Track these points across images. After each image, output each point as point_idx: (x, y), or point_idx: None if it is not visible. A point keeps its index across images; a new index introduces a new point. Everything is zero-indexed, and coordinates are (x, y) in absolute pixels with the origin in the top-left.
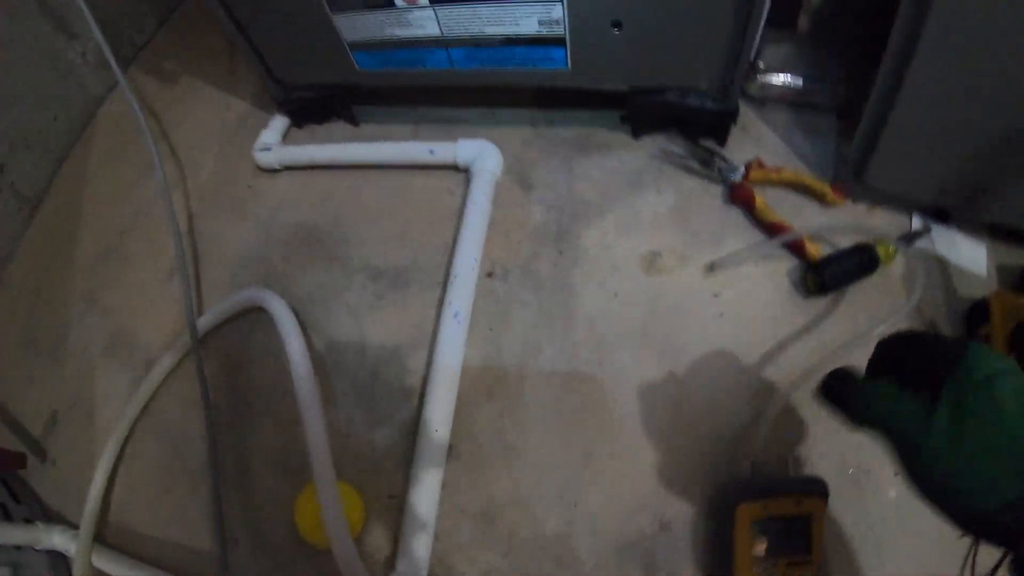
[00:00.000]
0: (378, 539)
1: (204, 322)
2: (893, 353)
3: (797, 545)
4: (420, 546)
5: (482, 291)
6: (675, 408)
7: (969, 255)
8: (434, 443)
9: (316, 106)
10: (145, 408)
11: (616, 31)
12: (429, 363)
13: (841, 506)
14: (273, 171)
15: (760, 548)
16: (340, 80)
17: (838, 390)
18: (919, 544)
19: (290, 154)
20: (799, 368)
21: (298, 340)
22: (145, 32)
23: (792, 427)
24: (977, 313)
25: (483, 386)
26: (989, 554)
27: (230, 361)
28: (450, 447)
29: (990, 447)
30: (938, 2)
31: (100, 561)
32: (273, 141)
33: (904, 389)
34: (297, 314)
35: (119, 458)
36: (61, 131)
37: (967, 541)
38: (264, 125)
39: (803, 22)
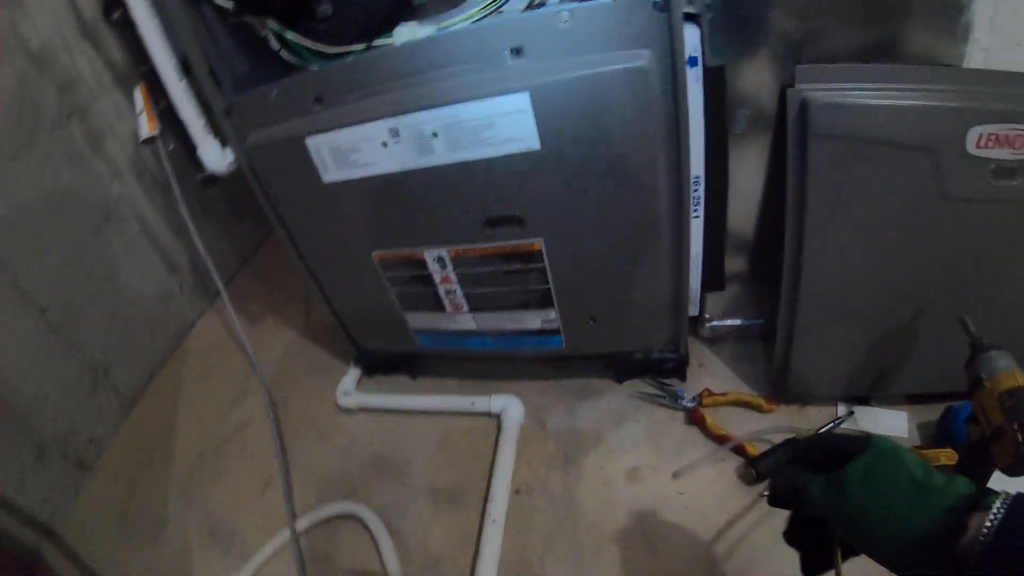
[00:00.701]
0: None
1: (300, 524)
2: (811, 452)
3: None
4: None
5: (512, 504)
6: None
7: (891, 423)
8: None
9: (384, 362)
10: None
11: (592, 322)
12: (475, 556)
13: None
14: (350, 411)
15: None
16: (405, 350)
17: (779, 497)
18: None
19: (367, 400)
20: (746, 537)
21: (390, 544)
22: (229, 270)
23: None
24: None
25: (515, 572)
26: None
27: (318, 558)
28: None
29: (895, 491)
30: (808, 245)
31: None
32: (351, 387)
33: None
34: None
35: None
36: (158, 348)
37: None
38: (340, 370)
39: (738, 270)
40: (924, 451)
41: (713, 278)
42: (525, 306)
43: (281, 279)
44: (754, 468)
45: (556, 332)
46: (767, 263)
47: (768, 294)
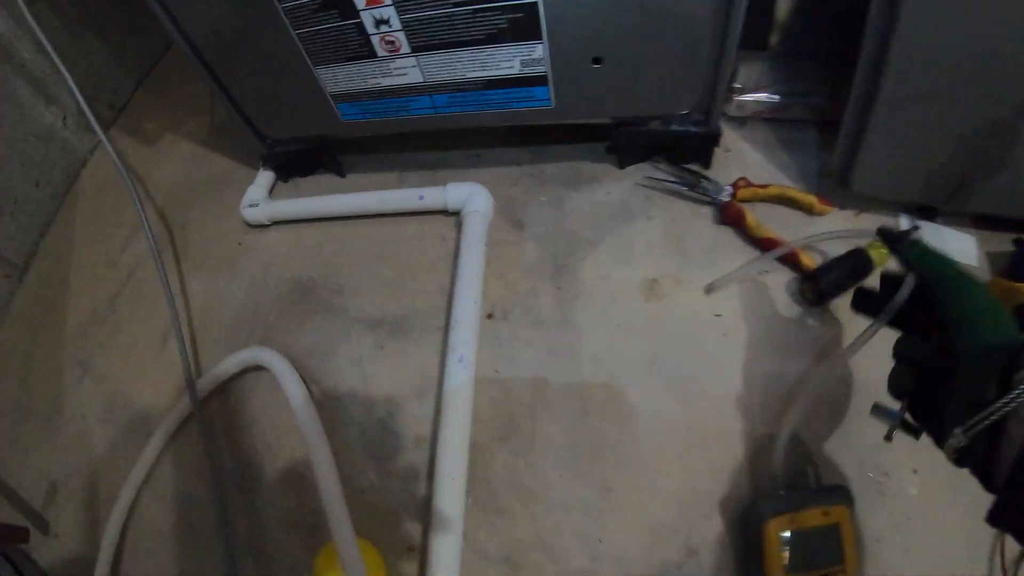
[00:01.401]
0: None
1: (204, 384)
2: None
3: (829, 556)
4: None
5: (484, 333)
6: (689, 434)
7: (959, 247)
8: (451, 492)
9: (301, 159)
10: (148, 475)
11: (597, 66)
12: (438, 410)
13: (865, 511)
14: (262, 227)
15: (791, 562)
16: (325, 132)
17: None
18: (945, 538)
19: (278, 209)
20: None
21: (303, 397)
22: (123, 94)
23: (809, 438)
24: None
25: (494, 429)
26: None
27: (233, 421)
28: (467, 494)
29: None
30: (906, 5)
31: None
32: (260, 197)
33: None
34: (299, 369)
35: (125, 527)
36: (44, 196)
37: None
38: (250, 180)
39: (774, 38)
40: (1003, 281)
41: (754, 28)
42: (496, 38)
43: (182, 90)
44: (816, 283)
45: (542, 81)
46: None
47: (818, 68)
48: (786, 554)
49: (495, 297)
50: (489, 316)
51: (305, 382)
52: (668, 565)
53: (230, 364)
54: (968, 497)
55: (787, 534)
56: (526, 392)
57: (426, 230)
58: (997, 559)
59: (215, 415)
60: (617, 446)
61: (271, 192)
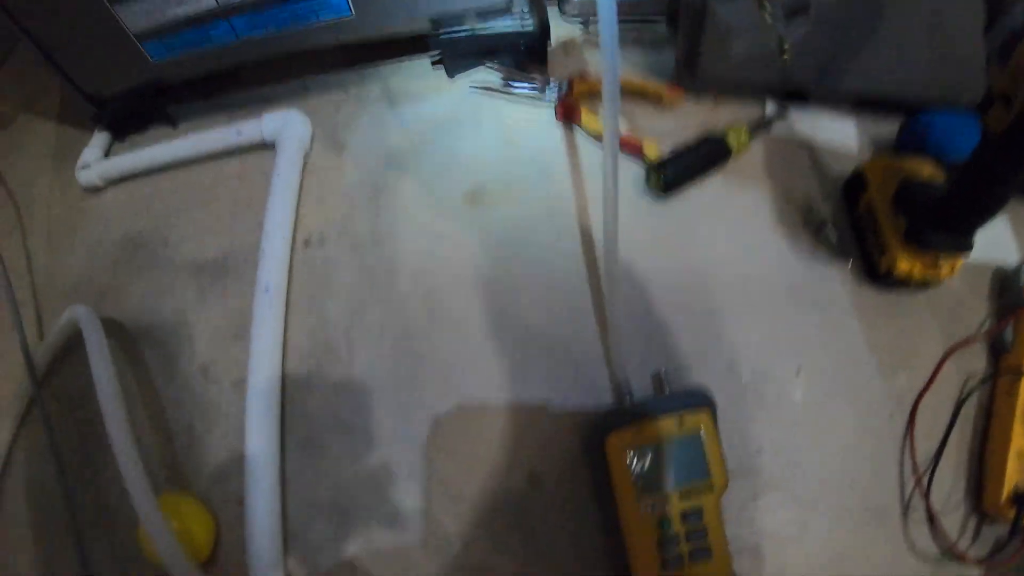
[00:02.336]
0: (235, 551)
1: (40, 358)
2: None
3: (690, 470)
4: (268, 551)
5: (301, 262)
6: (522, 346)
7: (836, 131)
8: (261, 431)
9: (131, 115)
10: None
11: None
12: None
13: (742, 420)
14: (99, 189)
15: (643, 482)
16: (142, 79)
17: None
18: (839, 445)
19: (108, 168)
20: (656, 274)
21: (102, 358)
22: None
23: (666, 338)
24: (853, 186)
25: (312, 362)
26: (922, 444)
27: (73, 397)
28: (285, 436)
29: None
30: None
31: None
32: (93, 158)
33: None
34: (130, 328)
35: None
36: None
37: (895, 426)
38: None
39: None
40: (883, 159)
41: None
42: None
43: (37, 77)
44: (661, 174)
45: None
46: None
47: None
48: (635, 473)
49: (313, 225)
50: (306, 244)
51: (134, 341)
52: (510, 496)
53: (53, 333)
54: (861, 397)
55: (634, 450)
56: (343, 318)
57: (249, 167)
58: (907, 460)
59: (60, 390)
60: (443, 368)
61: (108, 153)
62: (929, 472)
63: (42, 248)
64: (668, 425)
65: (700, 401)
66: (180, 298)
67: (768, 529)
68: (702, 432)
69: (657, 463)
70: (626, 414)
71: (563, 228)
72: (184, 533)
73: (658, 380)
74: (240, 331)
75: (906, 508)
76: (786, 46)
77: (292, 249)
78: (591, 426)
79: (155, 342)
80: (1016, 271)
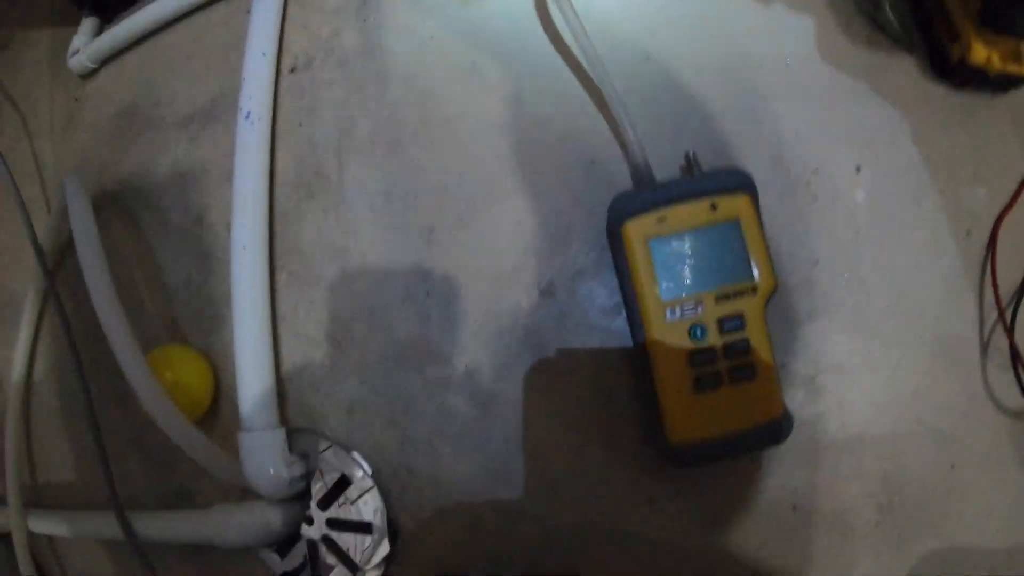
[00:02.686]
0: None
1: (47, 242)
2: None
3: (728, 268)
4: (260, 390)
5: (288, 90)
6: (528, 142)
7: None
8: (246, 263)
9: None
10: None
11: None
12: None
13: (790, 220)
14: (92, 72)
15: (669, 279)
16: None
17: None
18: (910, 260)
19: (95, 48)
20: (682, 58)
21: (81, 217)
22: None
23: (690, 121)
24: None
25: (302, 189)
26: (1004, 273)
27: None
28: (277, 271)
29: None
30: None
31: (36, 524)
32: (82, 43)
33: None
34: (130, 195)
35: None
36: None
37: (972, 245)
38: None
39: None
40: None
41: None
42: None
43: None
44: None
45: None
46: None
47: None
48: (659, 270)
49: (298, 49)
50: (292, 71)
51: (134, 209)
52: (517, 313)
53: (52, 215)
54: (935, 207)
55: (657, 240)
56: (333, 138)
57: (234, 10)
58: (987, 289)
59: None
60: (439, 174)
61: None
62: (1014, 306)
63: (47, 148)
64: (699, 210)
65: (739, 182)
66: (172, 153)
67: (825, 358)
68: (741, 220)
69: (686, 257)
70: (646, 197)
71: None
72: (179, 385)
73: (688, 161)
74: (231, 172)
75: (985, 346)
76: None
77: (278, 77)
78: (607, 217)
79: (150, 203)
80: None
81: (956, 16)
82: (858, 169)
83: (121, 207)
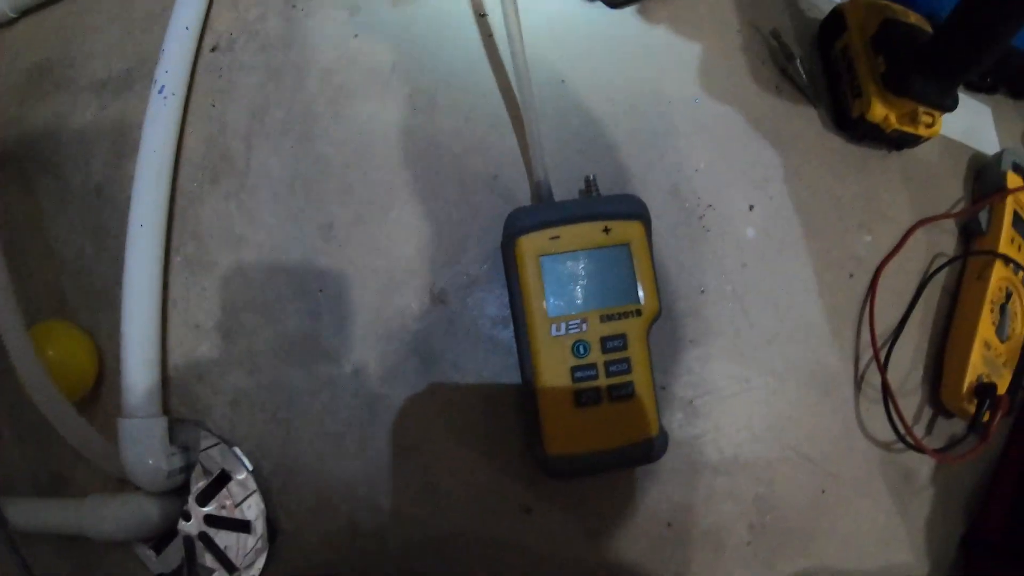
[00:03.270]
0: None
1: None
2: None
3: (616, 288)
4: (144, 376)
5: (206, 68)
6: (435, 149)
7: None
8: (141, 244)
9: None
10: None
11: None
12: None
13: (682, 249)
14: (12, 21)
15: (556, 295)
16: None
17: None
18: (792, 294)
19: None
20: (597, 85)
21: None
22: None
23: (594, 149)
24: (829, 27)
25: (207, 172)
26: (882, 315)
27: None
28: (172, 253)
29: None
30: None
31: None
32: None
33: None
34: (35, 154)
35: None
36: None
37: (854, 286)
38: None
39: None
40: (889, 2)
41: None
42: None
43: None
44: None
45: None
46: None
47: None
48: (548, 286)
49: (223, 28)
50: (213, 49)
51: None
52: (406, 315)
53: None
54: (821, 248)
55: (548, 257)
56: (243, 123)
57: None
58: (865, 328)
59: None
60: (342, 171)
61: None
62: (888, 346)
63: None
64: (593, 232)
65: (633, 209)
66: (80, 118)
67: (704, 382)
68: (632, 245)
69: (576, 275)
70: (543, 214)
71: (498, 29)
72: (60, 364)
73: (587, 184)
74: (138, 146)
75: (859, 381)
76: None
77: (197, 54)
78: (503, 228)
79: (52, 168)
80: (998, 156)
81: (862, 75)
82: (751, 207)
83: (19, 168)
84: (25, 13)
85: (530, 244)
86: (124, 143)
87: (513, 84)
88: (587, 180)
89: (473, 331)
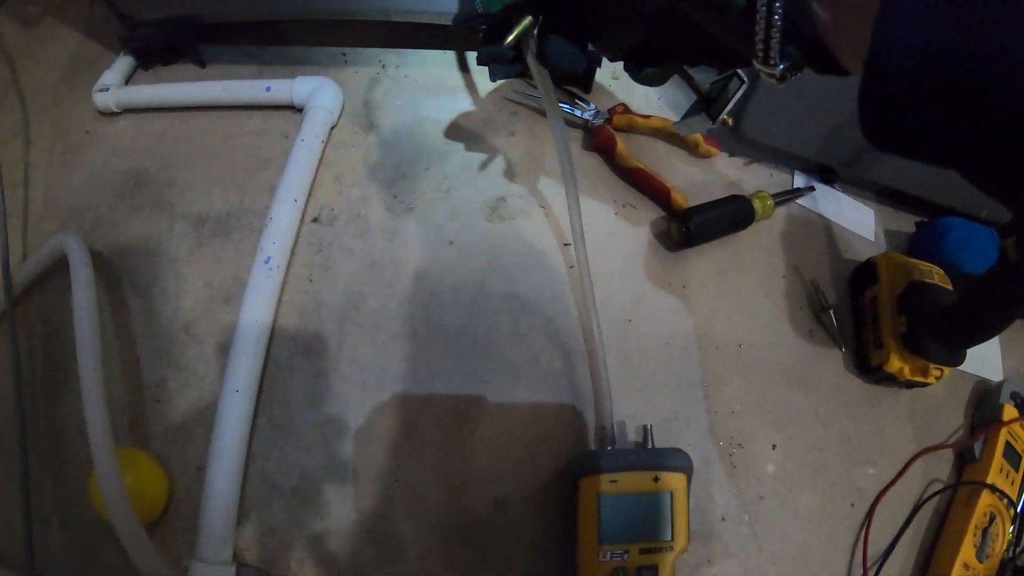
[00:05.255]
0: (187, 517)
1: (20, 277)
2: None
3: (654, 528)
4: (221, 526)
5: (307, 238)
6: (512, 371)
7: (856, 217)
8: (234, 407)
9: (162, 45)
10: None
11: None
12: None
13: (712, 485)
14: (113, 114)
15: (606, 529)
16: (180, 11)
17: None
18: (800, 526)
19: (127, 95)
20: (658, 325)
21: (87, 295)
22: None
23: (653, 393)
24: (863, 275)
25: (299, 344)
26: (875, 538)
27: (48, 322)
28: (258, 413)
29: None
30: None
31: None
32: (113, 82)
33: None
34: (117, 265)
35: None
36: None
37: (854, 515)
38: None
39: None
40: (898, 256)
41: None
42: None
43: None
44: (684, 224)
45: None
46: None
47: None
48: (602, 520)
49: (325, 201)
50: (315, 220)
51: (119, 280)
52: (472, 516)
53: (42, 253)
54: (829, 482)
55: (606, 497)
56: (339, 305)
57: (270, 125)
58: (859, 550)
59: (33, 313)
60: (428, 377)
61: (129, 80)
62: (877, 566)
63: (43, 162)
64: (644, 479)
65: (680, 464)
66: (175, 247)
67: None
68: (675, 494)
69: (624, 514)
70: (606, 459)
71: (572, 257)
72: (136, 490)
73: (645, 433)
74: (231, 295)
75: None
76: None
77: (300, 222)
78: (568, 464)
79: (141, 287)
80: (998, 387)
81: (885, 332)
82: (774, 447)
83: (111, 277)
84: (127, 111)
85: (591, 484)
86: (218, 290)
87: (590, 320)
88: (645, 429)
89: (527, 538)
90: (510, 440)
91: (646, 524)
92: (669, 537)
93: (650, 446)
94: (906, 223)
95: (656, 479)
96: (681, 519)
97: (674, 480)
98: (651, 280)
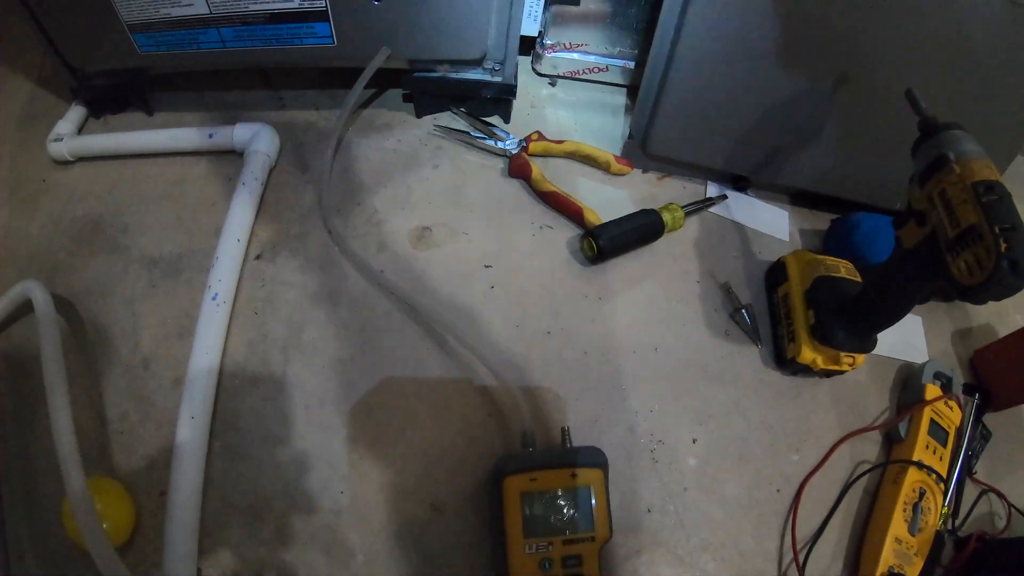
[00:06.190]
0: (153, 540)
1: None
2: None
3: (576, 521)
4: (185, 545)
5: (250, 274)
6: (443, 386)
7: (770, 220)
8: (191, 435)
9: (111, 95)
10: None
11: (376, 2)
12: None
13: (635, 479)
14: (67, 163)
15: (530, 524)
16: (126, 64)
17: None
18: (726, 514)
19: (80, 144)
20: (576, 335)
21: (52, 335)
22: None
23: (572, 398)
24: (775, 274)
25: (247, 373)
26: (806, 520)
27: (13, 362)
28: (213, 439)
29: None
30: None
31: None
32: (66, 132)
33: None
34: (77, 307)
35: None
36: None
37: (781, 499)
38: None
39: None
40: (806, 253)
41: None
42: None
43: (13, 29)
44: (594, 241)
45: (322, 16)
46: None
47: (635, 33)
48: (526, 515)
49: (267, 238)
50: (258, 257)
51: (80, 322)
52: (412, 522)
53: (6, 300)
54: (753, 470)
55: (528, 494)
56: (282, 335)
57: (216, 170)
58: (787, 534)
59: None
60: (366, 395)
61: (81, 129)
62: (808, 547)
63: (2, 212)
64: (563, 476)
65: (595, 460)
66: (131, 288)
67: None
68: (593, 488)
69: (547, 509)
70: (526, 460)
71: (499, 280)
72: (107, 515)
73: (562, 434)
74: (184, 330)
75: None
76: None
77: (244, 260)
78: (495, 465)
79: (100, 327)
80: (920, 369)
81: (797, 326)
82: (694, 441)
83: (72, 320)
84: (80, 160)
85: (514, 483)
86: (172, 326)
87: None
88: (562, 431)
89: (464, 537)
90: (444, 448)
91: (567, 518)
92: (590, 528)
93: (568, 446)
94: (822, 222)
95: (574, 475)
96: (601, 511)
97: (591, 475)
98: (568, 294)
